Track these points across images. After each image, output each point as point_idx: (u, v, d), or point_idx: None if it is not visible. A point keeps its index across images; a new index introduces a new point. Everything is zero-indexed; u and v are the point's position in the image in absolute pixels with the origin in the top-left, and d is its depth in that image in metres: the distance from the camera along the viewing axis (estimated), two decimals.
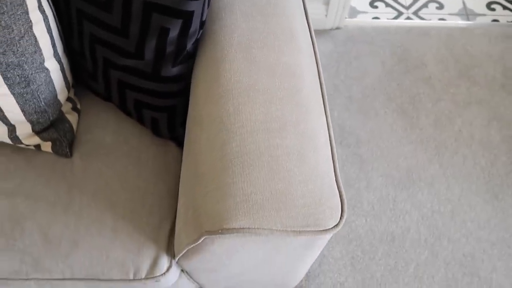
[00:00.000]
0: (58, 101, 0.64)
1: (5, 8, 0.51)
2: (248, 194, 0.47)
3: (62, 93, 0.64)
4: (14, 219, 0.60)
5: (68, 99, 0.67)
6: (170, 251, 0.60)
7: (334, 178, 0.51)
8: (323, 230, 0.48)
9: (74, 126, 0.67)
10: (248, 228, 0.46)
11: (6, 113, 0.59)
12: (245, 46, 0.58)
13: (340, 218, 0.49)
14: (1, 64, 0.53)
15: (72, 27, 0.61)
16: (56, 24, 0.60)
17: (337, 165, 0.53)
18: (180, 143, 0.68)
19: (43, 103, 0.61)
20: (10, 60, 0.54)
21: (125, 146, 0.66)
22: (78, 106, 0.69)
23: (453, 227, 1.04)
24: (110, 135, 0.67)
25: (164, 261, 0.60)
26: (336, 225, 0.49)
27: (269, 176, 0.48)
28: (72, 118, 0.67)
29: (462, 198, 1.07)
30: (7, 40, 0.52)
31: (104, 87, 0.66)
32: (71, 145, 0.66)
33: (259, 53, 0.57)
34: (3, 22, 0.51)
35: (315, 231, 0.48)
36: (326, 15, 1.29)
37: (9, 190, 0.61)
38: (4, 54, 0.53)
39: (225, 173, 0.48)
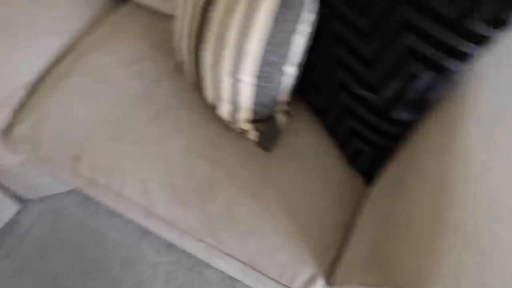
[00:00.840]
0: (279, 102, 0.70)
1: (288, 18, 0.58)
2: (459, 270, 0.45)
3: (284, 96, 0.70)
4: (211, 186, 0.68)
5: (285, 102, 0.73)
6: (326, 275, 0.61)
7: None
8: None
9: (281, 127, 0.73)
10: None
11: (239, 97, 0.68)
12: (484, 121, 0.56)
13: None
14: (264, 60, 0.61)
15: (321, 44, 0.67)
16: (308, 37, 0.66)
17: None
18: (366, 179, 0.68)
19: (270, 100, 0.68)
20: (270, 58, 0.61)
21: (318, 161, 0.70)
22: (289, 111, 0.76)
23: None
24: (308, 147, 0.71)
25: (319, 283, 0.61)
26: None
27: (485, 263, 0.45)
28: (282, 119, 0.73)
29: None
30: (277, 42, 0.60)
31: (325, 104, 0.70)
32: (273, 142, 0.72)
33: (500, 132, 0.54)
34: (283, 27, 0.58)
35: None
36: None
37: (216, 159, 0.70)
38: (269, 52, 0.60)
39: (443, 237, 0.47)
